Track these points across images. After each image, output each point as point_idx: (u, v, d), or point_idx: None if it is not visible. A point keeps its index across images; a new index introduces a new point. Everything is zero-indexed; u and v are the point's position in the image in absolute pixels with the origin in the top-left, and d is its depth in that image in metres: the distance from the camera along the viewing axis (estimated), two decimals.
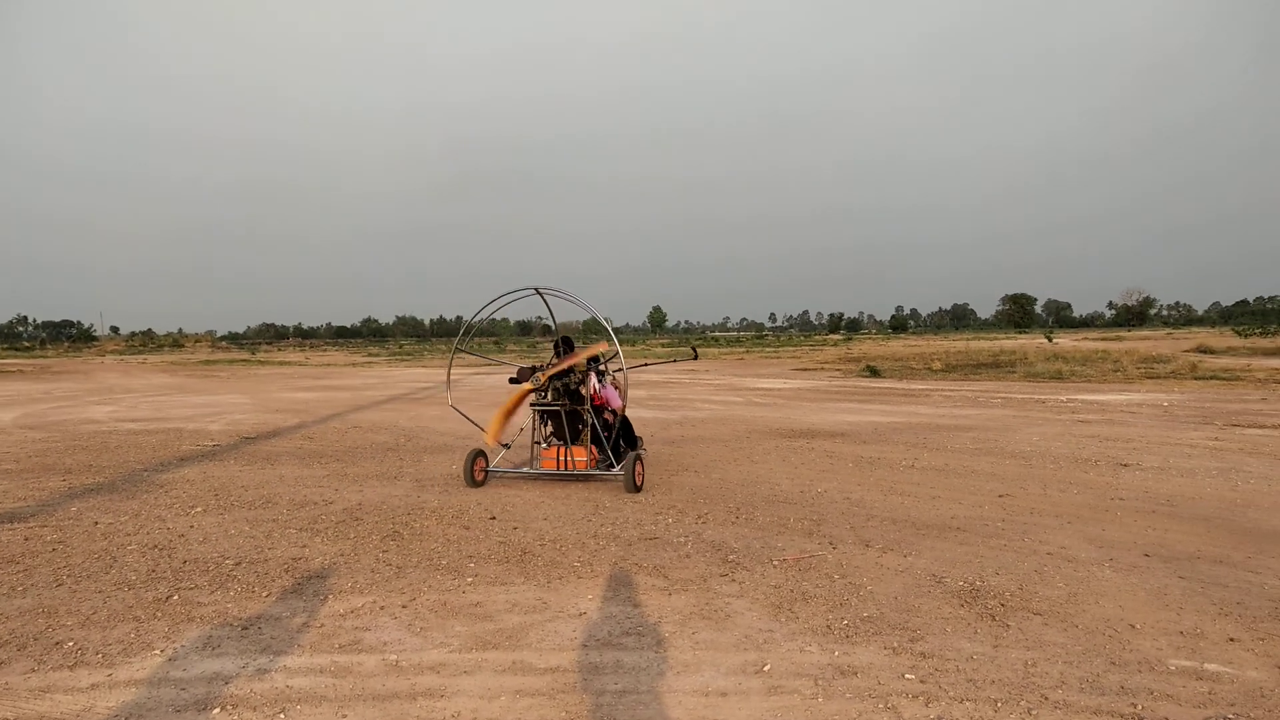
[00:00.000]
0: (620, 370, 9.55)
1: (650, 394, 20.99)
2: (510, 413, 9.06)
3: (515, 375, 9.23)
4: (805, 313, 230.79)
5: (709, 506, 7.38)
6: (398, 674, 3.82)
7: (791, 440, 11.76)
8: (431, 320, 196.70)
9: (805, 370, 32.83)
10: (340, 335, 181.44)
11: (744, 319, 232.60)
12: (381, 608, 4.77)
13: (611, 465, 8.75)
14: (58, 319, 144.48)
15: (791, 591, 4.97)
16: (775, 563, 5.58)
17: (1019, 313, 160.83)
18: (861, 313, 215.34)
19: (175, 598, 4.97)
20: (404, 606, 4.78)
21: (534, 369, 8.99)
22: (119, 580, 5.32)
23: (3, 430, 14.10)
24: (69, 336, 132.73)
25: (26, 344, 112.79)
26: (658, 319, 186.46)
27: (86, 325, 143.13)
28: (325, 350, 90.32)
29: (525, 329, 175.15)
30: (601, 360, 9.29)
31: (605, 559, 5.73)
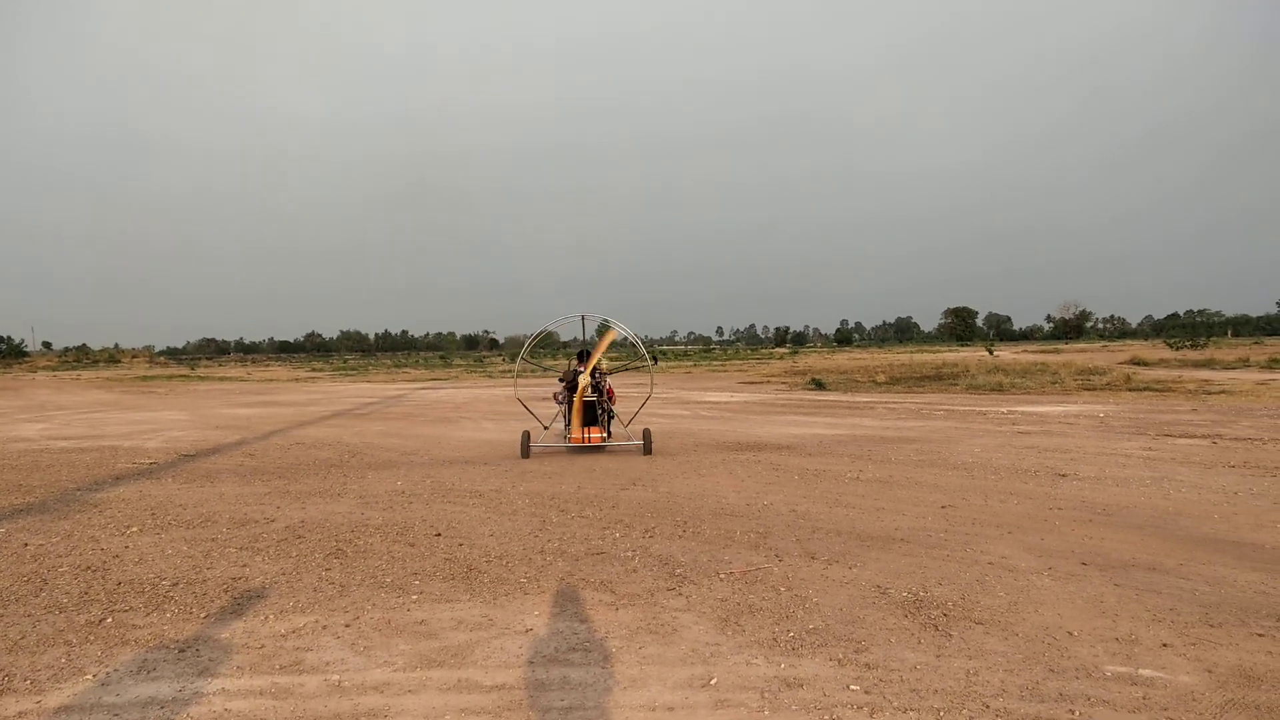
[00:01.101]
0: (611, 374, 13.93)
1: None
2: (580, 406, 12.69)
3: (562, 376, 13.46)
4: (752, 326, 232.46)
5: (656, 520, 7.38)
6: (340, 694, 3.76)
7: (738, 453, 11.82)
8: (376, 334, 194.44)
9: (752, 383, 33.04)
10: (283, 350, 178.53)
11: (691, 332, 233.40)
12: (324, 627, 4.69)
13: (607, 437, 12.91)
14: None
15: (738, 604, 4.98)
16: (722, 576, 5.60)
17: (961, 326, 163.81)
18: (807, 326, 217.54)
19: (109, 620, 4.83)
20: (347, 625, 4.71)
21: (575, 372, 13.16)
22: (49, 603, 5.17)
23: None
24: None
25: None
26: (603, 330, 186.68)
27: (16, 340, 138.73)
28: (268, 365, 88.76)
29: (472, 343, 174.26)
30: (597, 372, 13.17)
31: (552, 574, 5.70)
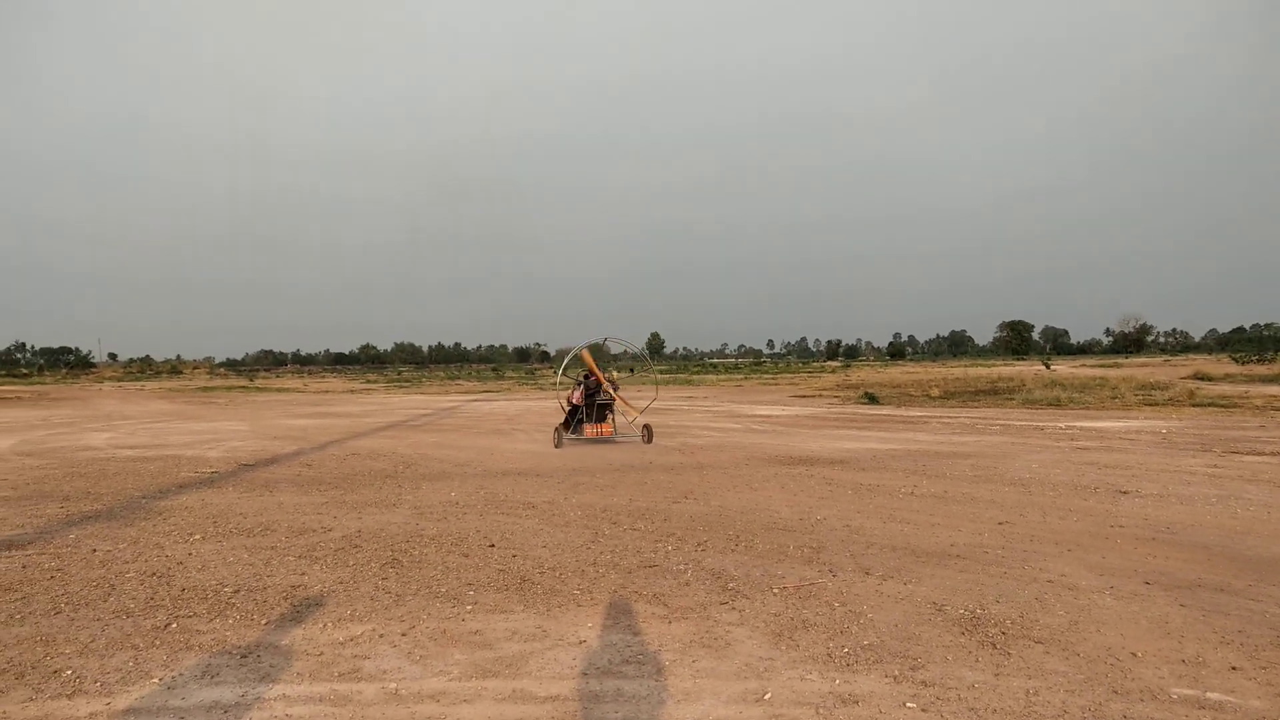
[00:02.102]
0: (614, 382, 17.14)
1: (648, 421, 21.00)
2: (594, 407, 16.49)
3: (586, 380, 16.65)
4: (803, 339, 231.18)
5: (708, 534, 7.36)
6: (397, 702, 3.81)
7: (790, 467, 11.76)
8: (430, 347, 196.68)
9: (803, 397, 32.85)
10: (338, 362, 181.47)
11: (742, 345, 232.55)
12: (381, 635, 4.75)
13: (614, 431, 16.27)
14: (56, 345, 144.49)
15: (792, 619, 4.96)
16: (775, 590, 5.57)
17: (1016, 339, 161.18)
18: (859, 339, 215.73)
19: (174, 626, 4.95)
20: (403, 634, 4.77)
21: (598, 381, 16.53)
22: (117, 608, 5.31)
23: (2, 458, 14.07)
24: (67, 363, 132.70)
25: (24, 371, 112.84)
26: (655, 345, 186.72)
27: (84, 352, 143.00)
28: (323, 377, 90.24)
29: (524, 355, 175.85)
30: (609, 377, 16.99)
31: (604, 587, 5.72)
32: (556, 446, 14.94)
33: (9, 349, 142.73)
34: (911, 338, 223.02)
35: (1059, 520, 7.82)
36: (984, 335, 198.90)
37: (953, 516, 8.06)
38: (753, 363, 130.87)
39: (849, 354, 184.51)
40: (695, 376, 66.32)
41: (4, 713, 3.71)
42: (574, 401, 16.44)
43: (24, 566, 6.38)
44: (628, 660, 4.31)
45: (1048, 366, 55.69)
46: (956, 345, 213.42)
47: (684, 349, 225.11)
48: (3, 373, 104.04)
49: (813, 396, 32.96)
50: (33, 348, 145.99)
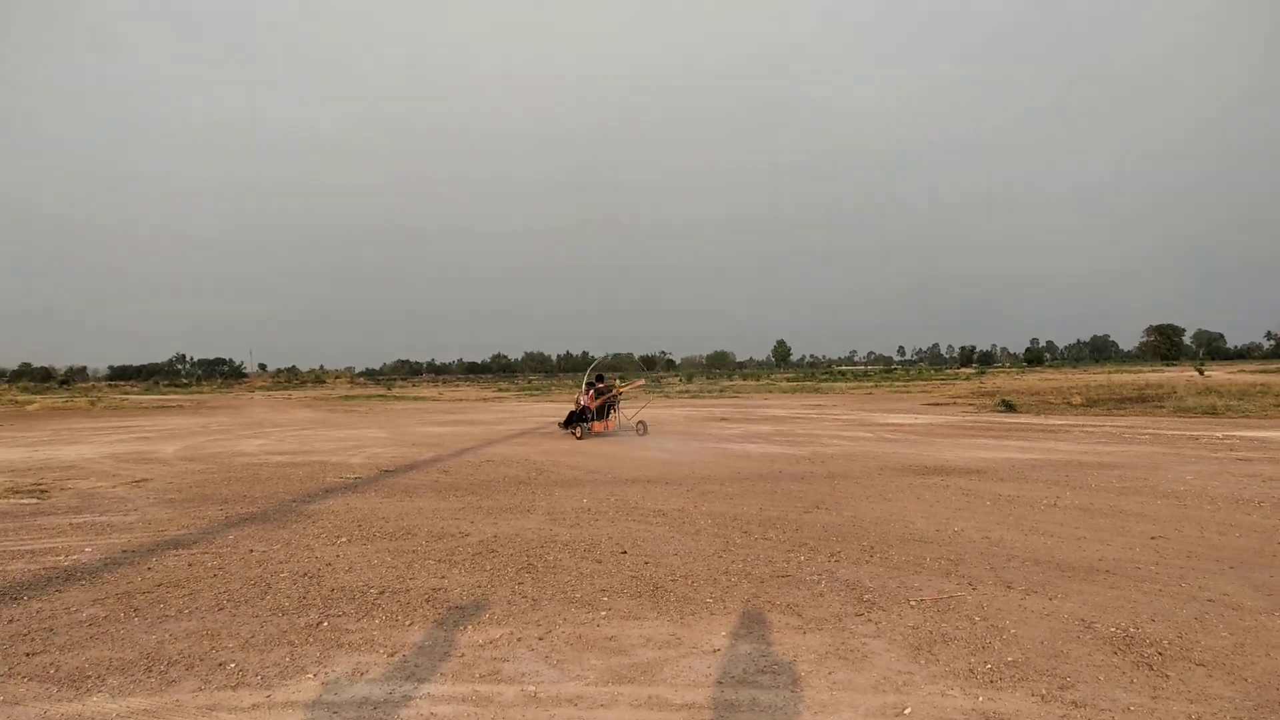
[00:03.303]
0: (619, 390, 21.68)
1: (776, 429, 20.86)
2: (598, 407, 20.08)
3: (598, 385, 20.76)
4: (935, 346, 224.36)
5: (841, 544, 7.26)
6: (536, 705, 3.90)
7: (925, 477, 11.47)
8: (559, 355, 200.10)
9: (936, 405, 31.93)
10: (471, 371, 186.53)
11: (871, 352, 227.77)
12: (519, 639, 4.87)
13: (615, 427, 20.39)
14: (212, 357, 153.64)
15: (931, 633, 4.84)
16: (912, 603, 5.45)
17: (1165, 344, 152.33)
18: (995, 345, 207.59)
19: (325, 624, 5.19)
20: (540, 639, 4.87)
21: (608, 385, 21.14)
22: (273, 606, 5.60)
23: (167, 462, 15.05)
24: (222, 373, 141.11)
25: (184, 380, 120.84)
26: (782, 353, 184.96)
27: (237, 363, 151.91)
28: (457, 386, 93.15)
29: (649, 363, 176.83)
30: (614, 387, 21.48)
31: (737, 596, 5.71)
32: (579, 438, 19.16)
33: (170, 360, 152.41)
34: (1050, 343, 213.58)
35: (1219, 536, 7.37)
36: (1129, 340, 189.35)
37: (1100, 530, 7.71)
38: (882, 370, 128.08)
39: (984, 360, 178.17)
40: (823, 384, 65.44)
41: (177, 701, 3.97)
42: (583, 403, 20.20)
43: (190, 565, 6.80)
44: (762, 670, 4.29)
45: (1201, 372, 52.72)
46: (1099, 351, 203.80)
47: (811, 356, 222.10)
48: (166, 383, 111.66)
49: (946, 405, 32.01)
50: (191, 359, 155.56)
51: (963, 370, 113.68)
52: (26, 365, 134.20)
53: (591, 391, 20.61)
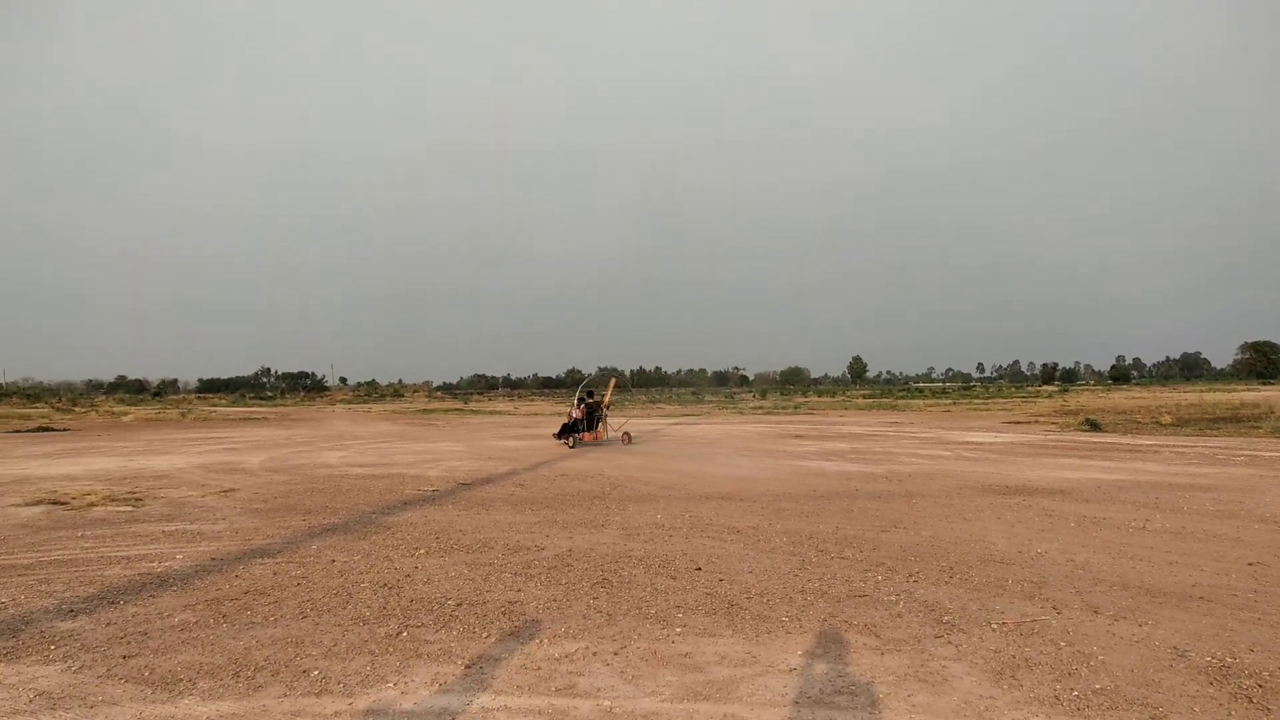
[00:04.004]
0: (607, 402, 24.03)
1: (852, 447, 20.60)
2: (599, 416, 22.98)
3: (588, 400, 23.19)
4: (1015, 363, 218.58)
5: (920, 565, 7.13)
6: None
7: (1006, 497, 11.20)
8: (631, 371, 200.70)
9: (1017, 423, 31.16)
10: (545, 386, 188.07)
11: (949, 369, 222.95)
12: (594, 654, 4.89)
13: (602, 436, 22.74)
14: (295, 370, 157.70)
15: (1013, 657, 4.72)
16: (994, 626, 5.33)
17: (1262, 362, 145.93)
18: (1078, 362, 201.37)
19: (404, 634, 5.28)
20: (615, 654, 4.89)
21: (597, 400, 23.46)
22: (354, 615, 5.72)
23: (253, 473, 15.50)
24: (304, 386, 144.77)
25: (269, 393, 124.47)
26: (858, 369, 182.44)
27: (319, 376, 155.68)
28: (532, 400, 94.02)
29: (723, 379, 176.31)
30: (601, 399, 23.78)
31: (813, 615, 5.65)
32: (571, 447, 21.00)
33: (256, 374, 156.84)
34: (1137, 360, 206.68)
35: None
36: (1223, 358, 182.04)
37: (1192, 555, 7.44)
38: (961, 387, 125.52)
39: (1066, 378, 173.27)
40: (900, 401, 64.43)
41: (264, 706, 4.08)
42: (575, 416, 22.57)
43: (275, 573, 6.99)
44: (840, 690, 4.23)
45: None
46: (1190, 368, 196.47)
47: (887, 373, 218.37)
48: (251, 395, 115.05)
49: (1027, 423, 31.22)
50: (275, 372, 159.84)
51: (1044, 388, 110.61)
52: (122, 378, 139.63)
53: (582, 406, 22.95)
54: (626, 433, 23.88)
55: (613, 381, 27.78)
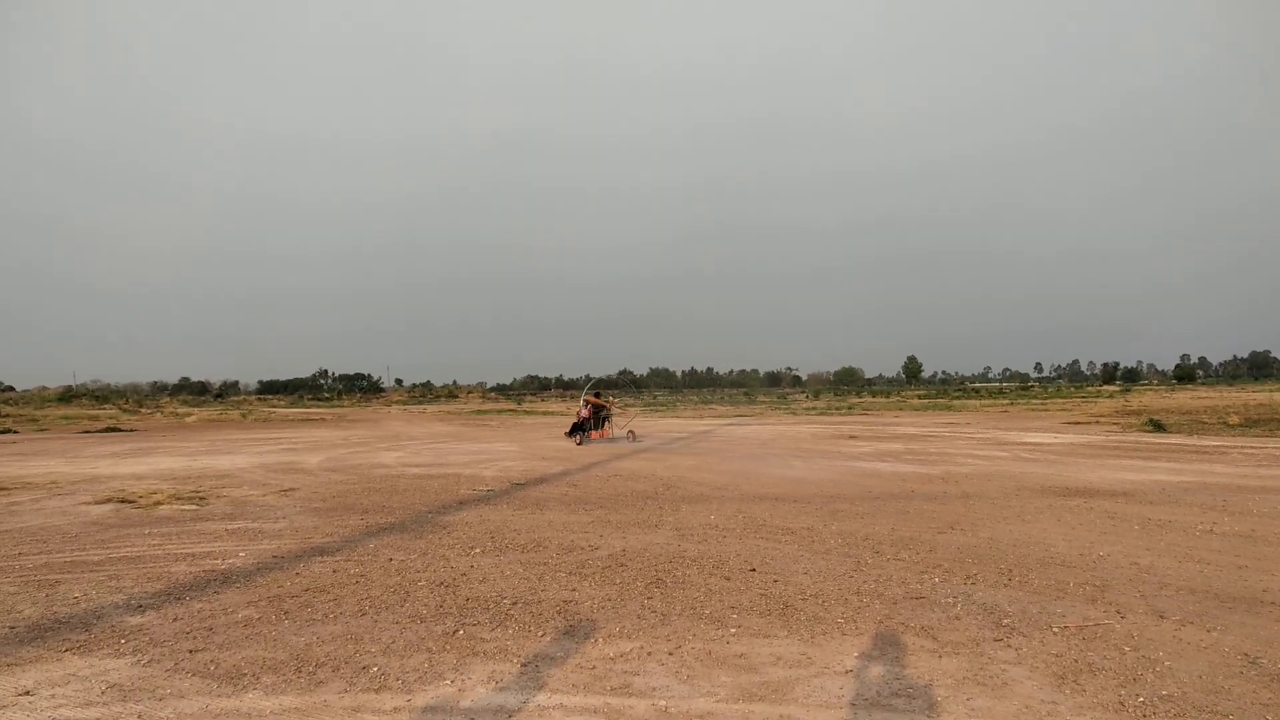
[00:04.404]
0: (612, 404, 27.00)
1: (908, 447, 20.36)
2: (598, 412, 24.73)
3: (594, 399, 24.95)
4: (1075, 362, 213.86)
5: (978, 567, 7.03)
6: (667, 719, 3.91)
7: (1066, 499, 10.99)
8: (683, 372, 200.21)
9: (1077, 424, 30.54)
10: (597, 386, 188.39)
11: (1006, 369, 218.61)
12: (649, 654, 4.90)
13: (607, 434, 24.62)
14: (351, 372, 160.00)
15: (1075, 661, 4.64)
16: (1055, 630, 5.23)
17: None
18: (1140, 362, 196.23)
19: (461, 633, 5.34)
20: (670, 654, 4.89)
21: (604, 404, 25.48)
22: (412, 613, 5.80)
23: (311, 472, 15.78)
24: (360, 388, 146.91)
25: (326, 395, 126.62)
26: (912, 369, 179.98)
27: (375, 378, 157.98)
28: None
29: (775, 380, 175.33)
30: (606, 400, 26.03)
31: (869, 616, 5.60)
32: (579, 445, 22.70)
33: (314, 375, 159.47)
34: (1203, 359, 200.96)
35: None
36: None
37: (1263, 559, 7.23)
38: (1018, 387, 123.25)
39: (1128, 377, 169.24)
40: (956, 401, 63.57)
41: (325, 701, 4.16)
42: (583, 416, 24.17)
43: (334, 571, 7.11)
44: (897, 693, 4.19)
45: None
46: (1259, 368, 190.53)
47: (942, 373, 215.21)
48: (309, 396, 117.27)
49: (1088, 423, 30.59)
50: (332, 374, 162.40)
51: (1105, 388, 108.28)
52: (185, 379, 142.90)
53: (589, 407, 24.63)
54: (631, 431, 26.14)
55: (605, 394, 31.58)
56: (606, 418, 24.93)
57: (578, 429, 23.75)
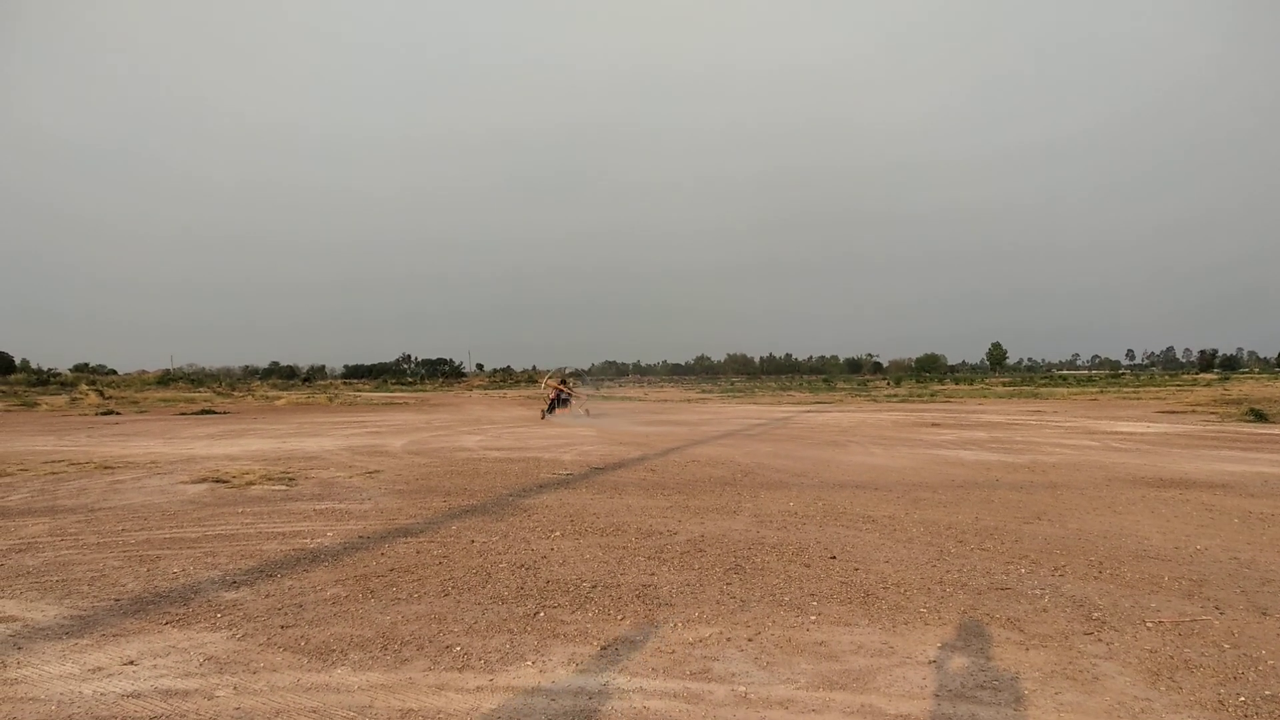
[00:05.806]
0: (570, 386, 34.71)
1: (992, 436, 19.90)
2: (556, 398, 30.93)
3: (558, 382, 33.76)
4: (1170, 349, 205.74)
5: (1066, 559, 6.84)
6: (747, 706, 3.90)
7: (1160, 490, 10.62)
8: (761, 358, 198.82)
9: (1172, 413, 29.49)
10: (674, 372, 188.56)
11: (1095, 356, 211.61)
12: (728, 639, 4.89)
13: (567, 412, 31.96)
14: (434, 357, 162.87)
15: (1171, 658, 4.48)
16: (1149, 624, 5.07)
17: None
18: (1240, 349, 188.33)
19: (541, 614, 5.41)
20: (749, 640, 4.88)
21: (566, 382, 34.33)
22: (494, 595, 5.89)
23: (395, 455, 16.11)
24: (443, 372, 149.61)
25: (410, 379, 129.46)
26: (997, 356, 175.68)
27: (457, 363, 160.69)
28: (661, 387, 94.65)
29: (855, 366, 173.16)
30: (565, 383, 34.25)
31: (953, 607, 5.50)
32: (542, 419, 29.02)
33: (397, 360, 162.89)
34: None
35: None
36: None
37: None
38: (1109, 375, 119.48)
39: (1227, 365, 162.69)
40: (1042, 389, 61.94)
41: (410, 679, 4.25)
42: (549, 398, 31.42)
43: (418, 552, 7.26)
44: (982, 685, 4.11)
45: None
46: None
47: (1028, 360, 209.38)
48: (393, 381, 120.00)
49: (1183, 413, 29.52)
50: (416, 359, 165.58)
51: (1202, 375, 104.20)
52: (275, 364, 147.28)
53: (555, 391, 31.91)
54: (586, 409, 32.95)
55: (565, 373, 39.67)
56: (566, 398, 31.95)
57: (554, 405, 30.97)
